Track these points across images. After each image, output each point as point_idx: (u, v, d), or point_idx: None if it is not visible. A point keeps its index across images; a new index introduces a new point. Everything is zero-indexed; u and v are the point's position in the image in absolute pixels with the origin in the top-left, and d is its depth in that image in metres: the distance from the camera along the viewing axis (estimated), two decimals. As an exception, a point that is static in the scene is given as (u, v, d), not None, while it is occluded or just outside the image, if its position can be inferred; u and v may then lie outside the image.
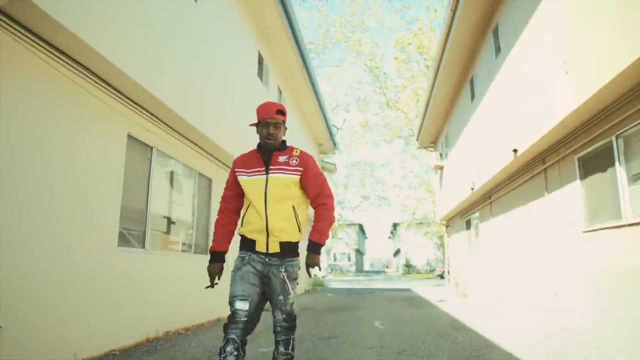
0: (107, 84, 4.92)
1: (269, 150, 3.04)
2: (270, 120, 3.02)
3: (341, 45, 29.70)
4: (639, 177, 5.11)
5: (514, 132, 7.95)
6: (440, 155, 16.06)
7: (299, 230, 3.02)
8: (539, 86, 6.71)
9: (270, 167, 3.02)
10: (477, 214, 12.45)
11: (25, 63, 3.95)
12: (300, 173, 3.02)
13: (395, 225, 52.20)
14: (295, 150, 3.12)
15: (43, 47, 4.07)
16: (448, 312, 9.56)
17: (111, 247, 5.04)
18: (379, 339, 5.99)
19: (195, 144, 7.28)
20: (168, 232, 6.64)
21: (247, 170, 3.05)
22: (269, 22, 9.60)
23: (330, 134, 17.60)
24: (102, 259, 4.89)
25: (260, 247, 2.96)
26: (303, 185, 3.04)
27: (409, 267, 47.47)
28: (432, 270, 42.83)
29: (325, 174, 27.80)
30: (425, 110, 15.03)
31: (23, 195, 3.92)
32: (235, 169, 3.08)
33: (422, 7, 38.11)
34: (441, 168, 16.20)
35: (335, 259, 52.82)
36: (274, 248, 2.96)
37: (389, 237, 64.52)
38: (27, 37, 3.91)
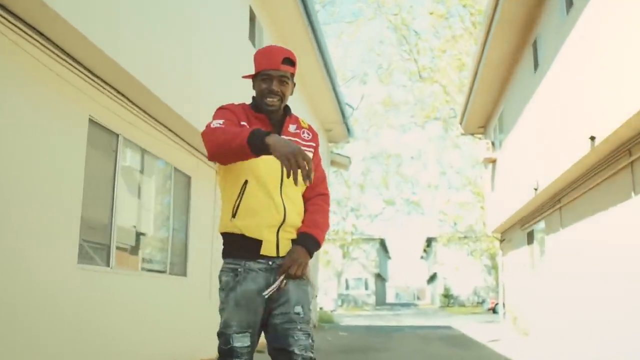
0: (62, 50, 5.26)
1: (274, 114, 2.99)
2: (274, 72, 2.92)
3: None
4: None
5: (591, 112, 8.27)
6: (492, 144, 16.44)
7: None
8: (625, 52, 7.03)
9: (285, 136, 2.96)
10: (542, 224, 12.80)
11: None
12: (313, 151, 3.06)
13: (429, 241, 52.42)
14: (301, 120, 3.14)
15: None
16: (504, 355, 9.90)
17: (70, 264, 5.38)
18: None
19: (170, 130, 7.63)
20: (137, 245, 6.99)
21: None
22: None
23: (343, 115, 17.96)
24: (58, 279, 5.23)
25: (268, 249, 2.88)
26: None
27: (448, 298, 47.92)
28: (480, 303, 43.20)
29: (337, 170, 28.12)
30: (472, 84, 15.38)
31: None
32: (241, 121, 2.94)
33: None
34: (493, 161, 16.58)
35: (347, 287, 53.25)
36: (285, 249, 2.91)
37: (422, 257, 64.99)
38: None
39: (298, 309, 2.87)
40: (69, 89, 5.44)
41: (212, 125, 2.79)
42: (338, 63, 32.47)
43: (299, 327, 2.86)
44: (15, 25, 4.66)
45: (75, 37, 5.01)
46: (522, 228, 14.66)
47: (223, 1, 8.98)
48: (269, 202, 2.87)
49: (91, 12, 5.16)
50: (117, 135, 6.36)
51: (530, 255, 14.25)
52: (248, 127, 2.87)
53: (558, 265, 11.54)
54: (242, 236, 2.86)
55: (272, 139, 2.57)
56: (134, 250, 6.94)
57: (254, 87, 3.02)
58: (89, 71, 5.69)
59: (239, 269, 2.86)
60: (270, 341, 2.90)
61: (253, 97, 3.06)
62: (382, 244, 57.55)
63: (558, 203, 11.31)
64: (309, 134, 3.06)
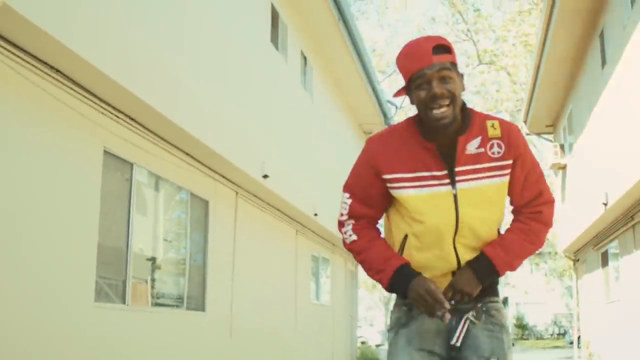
0: (75, 83, 6.35)
1: (446, 133, 2.78)
2: (428, 69, 2.69)
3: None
4: None
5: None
6: (562, 147, 17.19)
7: None
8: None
9: (457, 169, 2.81)
10: (615, 244, 13.52)
11: None
12: (510, 169, 2.86)
13: None
14: (490, 123, 2.88)
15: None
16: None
17: (87, 304, 6.45)
18: None
19: (186, 153, 8.70)
20: (153, 279, 8.08)
21: (409, 176, 2.82)
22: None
23: (385, 116, 18.92)
24: (76, 320, 6.30)
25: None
26: (511, 184, 2.90)
27: (522, 329, 47.99)
28: (562, 334, 43.51)
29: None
30: (534, 77, 16.12)
31: None
32: (384, 173, 2.86)
33: None
34: (563, 168, 17.33)
35: (398, 316, 54.11)
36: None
37: (490, 279, 65.07)
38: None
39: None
40: (83, 121, 6.53)
41: (342, 220, 3.00)
42: (383, 47, 33.31)
43: None
44: (29, 62, 5.74)
45: (90, 71, 6.08)
46: (595, 248, 15.39)
47: (244, 4, 10.01)
48: (439, 253, 2.86)
49: (106, 47, 6.23)
50: (132, 165, 7.44)
51: (604, 280, 14.98)
52: (398, 178, 2.84)
53: (633, 293, 12.26)
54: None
55: (411, 287, 2.75)
56: (150, 284, 8.02)
57: (412, 103, 2.84)
58: (103, 101, 6.78)
59: (414, 306, 2.85)
60: None
61: (415, 117, 2.92)
62: (441, 262, 58.10)
63: (631, 220, 12.05)
64: (499, 148, 2.83)
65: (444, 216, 2.82)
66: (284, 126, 11.97)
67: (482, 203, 2.85)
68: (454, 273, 2.86)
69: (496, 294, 2.97)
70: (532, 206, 2.91)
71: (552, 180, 20.65)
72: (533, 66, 15.82)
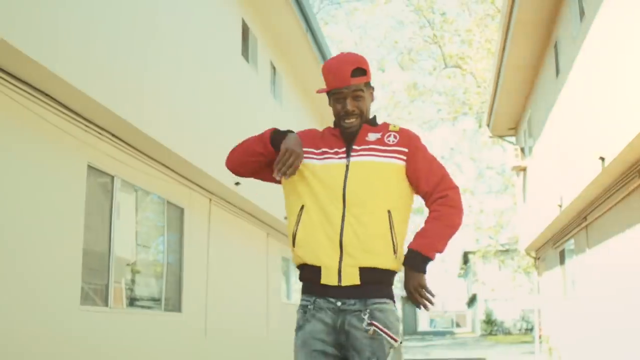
0: (62, 105, 6.89)
1: (355, 133, 3.27)
2: (345, 89, 3.22)
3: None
4: None
5: (601, 131, 9.69)
6: (522, 150, 17.82)
7: (395, 252, 3.14)
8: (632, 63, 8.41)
9: (355, 146, 3.24)
10: (572, 242, 14.17)
11: None
12: (404, 156, 3.23)
13: (466, 256, 52.11)
14: (392, 125, 3.35)
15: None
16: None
17: (73, 307, 7.01)
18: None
19: (163, 164, 9.25)
20: (133, 282, 8.63)
21: (316, 151, 3.26)
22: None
23: (353, 119, 19.49)
24: (64, 322, 6.85)
25: (329, 277, 3.09)
26: (410, 176, 3.24)
27: (492, 325, 48.49)
28: (530, 329, 44.17)
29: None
30: (496, 83, 16.71)
31: None
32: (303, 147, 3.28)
33: None
34: (523, 169, 17.97)
35: (368, 313, 54.30)
36: (351, 278, 3.07)
37: (459, 276, 65.35)
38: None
39: None
40: (70, 139, 7.08)
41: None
42: (352, 49, 33.88)
43: None
44: (18, 87, 6.28)
45: (75, 94, 6.63)
46: (554, 246, 15.97)
47: (216, 21, 10.56)
48: (325, 223, 3.11)
49: (88, 71, 6.78)
50: (113, 177, 8.00)
51: (562, 277, 15.54)
52: (314, 152, 3.26)
53: (587, 290, 12.77)
54: (305, 265, 3.17)
55: (292, 135, 3.22)
56: (131, 287, 8.57)
57: (329, 104, 3.37)
58: (88, 120, 7.32)
59: (309, 306, 3.15)
60: None
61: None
62: (410, 259, 58.20)
63: (584, 220, 12.59)
64: (395, 138, 3.26)
65: (334, 182, 3.14)
66: (254, 134, 12.40)
67: (371, 176, 3.16)
68: (341, 243, 3.07)
69: (384, 295, 3.12)
70: (438, 191, 3.22)
71: (514, 182, 21.30)
72: (494, 72, 16.38)
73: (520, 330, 47.19)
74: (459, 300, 76.44)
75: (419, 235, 3.18)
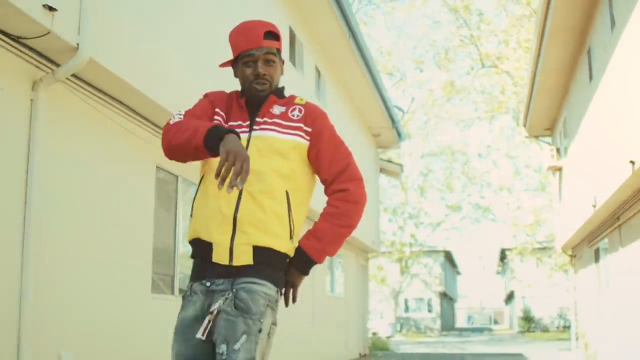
0: (134, 111, 7.63)
1: (259, 98, 3.07)
2: (256, 51, 3.02)
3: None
4: None
5: (632, 135, 10.12)
6: (558, 151, 18.21)
7: (291, 236, 2.98)
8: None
9: (258, 119, 3.06)
10: (605, 241, 14.55)
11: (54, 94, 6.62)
12: (307, 135, 3.05)
13: (504, 253, 52.43)
14: (299, 98, 3.17)
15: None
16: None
17: (146, 295, 7.76)
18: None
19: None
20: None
21: (225, 123, 3.10)
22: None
23: (392, 120, 20.07)
24: (138, 309, 7.60)
25: (220, 255, 2.90)
26: (312, 159, 3.07)
27: (529, 322, 48.48)
28: (567, 327, 44.11)
29: (387, 180, 30.03)
30: (531, 85, 17.10)
31: (59, 241, 6.57)
32: (217, 108, 3.14)
33: None
34: (559, 169, 18.37)
35: (407, 309, 54.66)
36: (243, 257, 2.89)
37: (497, 273, 65.18)
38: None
39: (222, 348, 2.78)
40: (141, 143, 7.83)
41: (170, 121, 3.01)
42: (383, 55, 34.16)
43: None
44: (96, 95, 7.03)
45: (146, 102, 7.37)
46: (589, 245, 16.34)
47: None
48: (221, 196, 2.88)
49: (160, 82, 7.52)
50: (177, 177, 8.73)
51: (597, 275, 15.88)
52: (223, 116, 3.08)
53: (621, 287, 13.13)
54: (198, 241, 2.96)
55: (230, 137, 2.71)
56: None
57: (236, 75, 3.15)
58: (154, 124, 8.07)
59: (188, 291, 2.98)
60: None
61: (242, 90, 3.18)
62: (448, 257, 58.33)
63: (617, 220, 12.93)
64: (299, 113, 3.07)
65: None
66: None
67: (272, 154, 2.96)
68: (235, 219, 2.87)
69: (262, 276, 2.90)
70: (339, 182, 3.04)
71: (550, 181, 21.64)
72: (530, 74, 16.74)
73: (557, 327, 47.10)
74: (496, 297, 76.30)
75: (312, 235, 3.02)
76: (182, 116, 3.00)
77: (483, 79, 31.17)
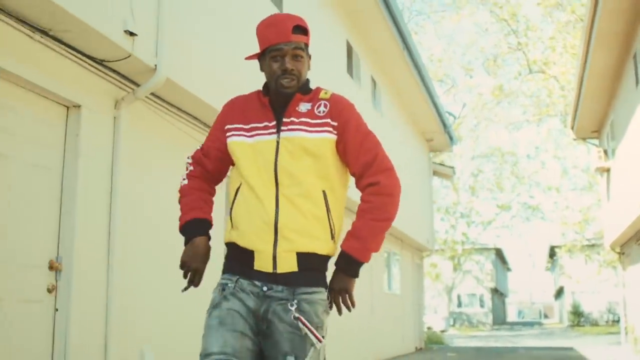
0: (208, 126, 7.83)
1: (285, 96, 2.89)
2: (285, 45, 2.84)
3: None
4: None
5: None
6: (605, 152, 18.06)
7: (332, 237, 2.86)
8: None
9: (285, 119, 2.88)
10: (656, 239, 14.46)
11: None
12: (335, 130, 2.87)
13: (553, 250, 51.91)
14: (323, 91, 2.98)
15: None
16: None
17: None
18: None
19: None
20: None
21: (245, 127, 2.91)
22: (360, 4, 12.33)
23: (444, 125, 20.09)
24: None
25: (263, 262, 2.79)
26: (340, 153, 2.89)
27: (579, 316, 48.05)
28: (616, 321, 43.55)
29: (439, 181, 30.00)
30: (579, 90, 17.04)
31: (141, 245, 6.78)
32: (227, 124, 2.95)
33: None
34: (607, 170, 18.19)
35: (460, 304, 54.51)
36: (287, 264, 2.78)
37: (547, 269, 64.85)
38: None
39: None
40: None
41: (186, 171, 3.09)
42: (434, 63, 34.08)
43: None
44: (173, 112, 7.26)
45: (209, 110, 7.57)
46: (638, 242, 16.26)
47: (324, 44, 11.38)
48: (258, 205, 2.79)
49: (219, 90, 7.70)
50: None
51: None
52: (237, 128, 2.91)
53: None
54: (236, 246, 2.84)
55: (188, 247, 2.93)
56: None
57: (262, 69, 2.95)
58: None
59: (229, 285, 2.80)
60: None
61: (265, 84, 3.00)
62: (499, 254, 58.05)
63: None
64: (325, 107, 2.91)
65: (263, 163, 2.81)
66: None
67: (304, 154, 2.82)
68: (276, 226, 2.78)
69: (316, 283, 2.83)
70: (369, 175, 2.85)
71: (598, 180, 21.42)
72: (577, 78, 16.70)
73: (607, 321, 46.52)
74: (545, 293, 75.60)
75: (351, 236, 2.84)
76: (190, 164, 3.08)
77: (531, 83, 31.00)
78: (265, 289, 2.77)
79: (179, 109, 7.30)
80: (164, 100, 7.00)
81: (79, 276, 5.72)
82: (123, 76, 6.31)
